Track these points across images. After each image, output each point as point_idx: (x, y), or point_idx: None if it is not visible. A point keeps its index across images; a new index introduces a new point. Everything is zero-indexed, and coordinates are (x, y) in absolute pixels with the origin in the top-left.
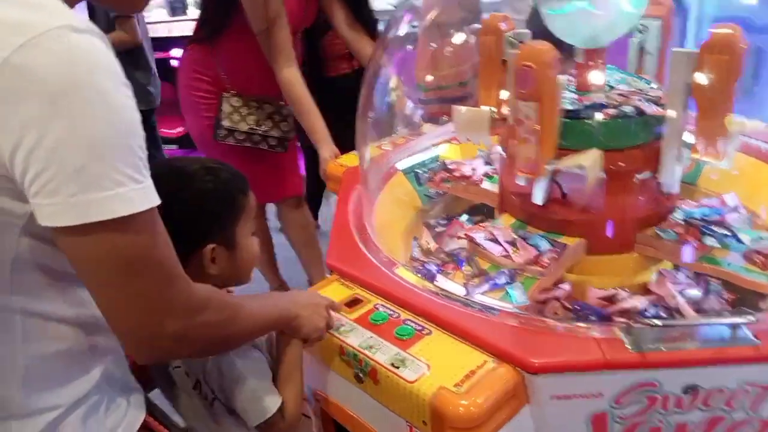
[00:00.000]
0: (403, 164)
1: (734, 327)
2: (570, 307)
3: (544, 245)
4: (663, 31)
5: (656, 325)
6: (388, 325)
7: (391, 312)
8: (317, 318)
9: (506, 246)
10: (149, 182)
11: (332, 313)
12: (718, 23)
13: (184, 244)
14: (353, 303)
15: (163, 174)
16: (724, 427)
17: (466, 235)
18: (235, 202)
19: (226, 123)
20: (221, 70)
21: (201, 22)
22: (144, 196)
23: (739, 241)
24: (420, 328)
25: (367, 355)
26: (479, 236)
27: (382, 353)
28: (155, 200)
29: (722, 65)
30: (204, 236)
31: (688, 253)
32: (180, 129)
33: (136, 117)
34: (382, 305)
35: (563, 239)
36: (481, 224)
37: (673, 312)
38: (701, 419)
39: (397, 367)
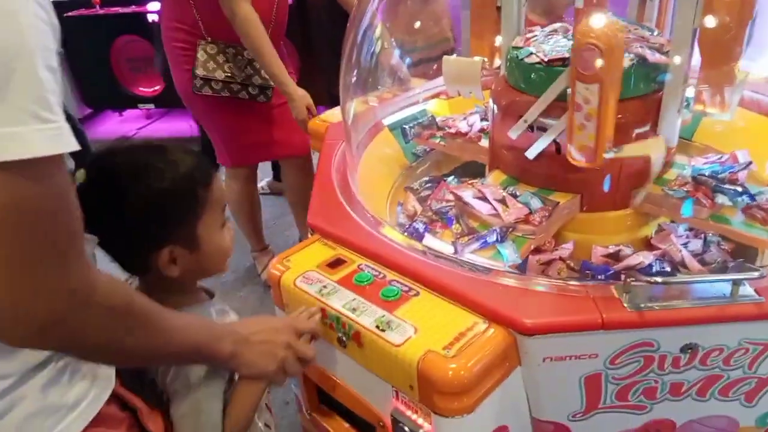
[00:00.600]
0: (389, 120)
1: (736, 283)
2: (575, 267)
3: (535, 203)
4: None
5: (656, 282)
6: (373, 287)
7: (377, 273)
8: (266, 359)
9: (495, 204)
10: (61, 124)
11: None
12: None
13: (138, 248)
14: (336, 263)
15: (117, 165)
16: (721, 386)
17: (453, 193)
18: (196, 197)
19: (200, 71)
20: (198, 17)
21: None
22: (49, 140)
23: (752, 198)
24: (407, 289)
25: (351, 318)
26: (467, 194)
27: (366, 316)
28: (66, 146)
29: (734, 7)
30: (159, 239)
31: (698, 212)
32: (157, 87)
33: (49, 43)
34: (367, 266)
35: (555, 196)
36: (469, 182)
37: (678, 266)
38: (698, 378)
39: (383, 330)
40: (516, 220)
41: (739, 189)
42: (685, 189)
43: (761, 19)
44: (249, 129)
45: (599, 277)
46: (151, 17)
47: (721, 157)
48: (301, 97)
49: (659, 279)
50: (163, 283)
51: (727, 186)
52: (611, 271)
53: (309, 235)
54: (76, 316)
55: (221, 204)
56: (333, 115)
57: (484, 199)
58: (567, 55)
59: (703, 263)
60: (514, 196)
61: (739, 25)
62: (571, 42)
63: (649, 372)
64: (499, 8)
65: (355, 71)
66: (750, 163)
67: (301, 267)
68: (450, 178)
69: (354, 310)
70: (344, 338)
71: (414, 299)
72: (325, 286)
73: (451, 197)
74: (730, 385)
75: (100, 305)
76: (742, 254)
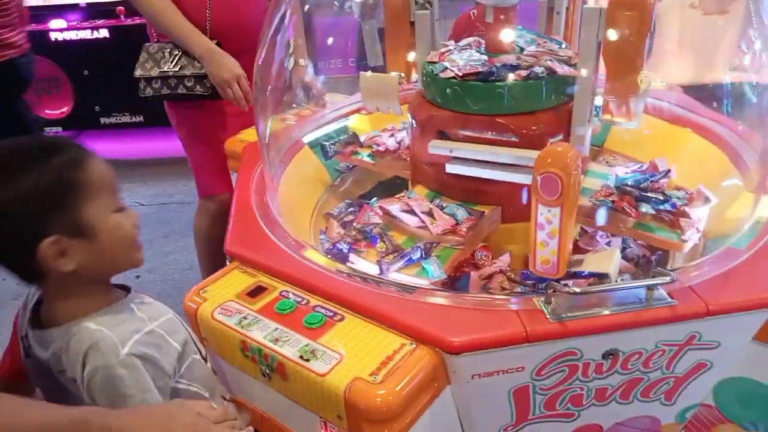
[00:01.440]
0: (309, 137)
1: (651, 288)
2: (516, 278)
3: (461, 214)
4: None
5: (575, 293)
6: (296, 314)
7: (300, 299)
8: None
9: (423, 217)
10: None
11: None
12: None
13: (18, 247)
14: (257, 292)
15: None
16: (642, 388)
17: (380, 207)
18: (68, 181)
19: (138, 73)
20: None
21: None
22: None
23: (673, 207)
24: (331, 314)
25: (273, 349)
26: (394, 208)
27: (290, 346)
28: None
29: (633, 21)
30: (36, 230)
31: (624, 221)
32: (64, 109)
33: None
34: (289, 292)
35: (479, 207)
36: (396, 196)
37: None
38: (620, 382)
39: (307, 360)
40: (444, 232)
41: (661, 197)
42: (611, 199)
43: (659, 32)
44: (207, 144)
45: (540, 286)
46: (54, 36)
47: (642, 165)
48: (216, 54)
49: (577, 289)
50: (67, 287)
51: (650, 194)
52: (552, 280)
53: (227, 263)
54: None
55: (109, 186)
56: (251, 133)
57: (411, 212)
58: (480, 69)
59: (627, 259)
60: (441, 207)
61: (638, 38)
62: (484, 56)
63: (574, 380)
64: (412, 23)
65: (269, 88)
66: (669, 171)
67: (219, 298)
68: (372, 200)
69: (276, 340)
70: (268, 371)
71: (339, 324)
72: (245, 317)
73: (376, 220)
74: (651, 386)
75: None
76: (658, 249)
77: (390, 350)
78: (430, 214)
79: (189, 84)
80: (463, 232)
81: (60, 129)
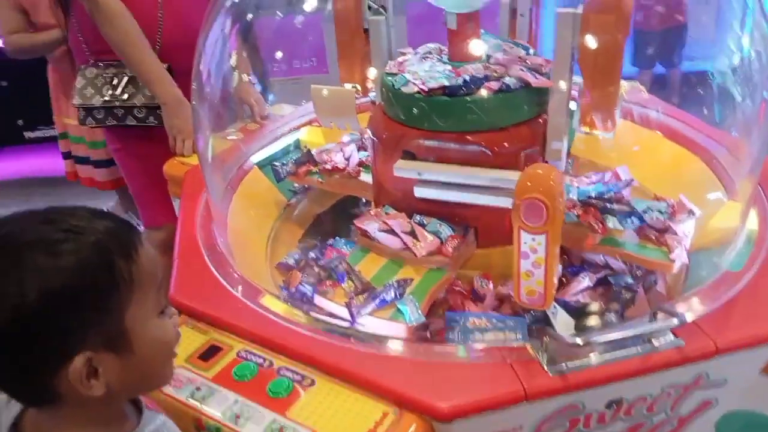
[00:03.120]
0: (258, 157)
1: (657, 333)
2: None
3: (445, 231)
4: None
5: (576, 345)
6: (258, 380)
7: (261, 360)
8: None
9: (405, 237)
10: None
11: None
12: None
13: (36, 366)
14: (210, 353)
15: None
16: (645, 431)
17: (358, 227)
18: (114, 274)
19: (77, 101)
20: (80, 35)
21: None
22: None
23: (640, 219)
24: (299, 378)
25: (234, 430)
26: (372, 228)
27: (253, 423)
28: None
29: (609, 25)
30: (67, 345)
31: (591, 237)
32: None
33: None
34: (248, 352)
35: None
36: (371, 211)
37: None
38: (622, 429)
39: None
40: (429, 253)
41: (626, 209)
42: (575, 212)
43: None
44: (153, 174)
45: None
46: None
47: (603, 176)
48: (183, 106)
49: (579, 341)
50: (74, 413)
51: (615, 206)
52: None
53: None
54: None
55: (156, 281)
56: (192, 156)
57: (390, 231)
58: (446, 83)
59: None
60: (422, 225)
61: (615, 44)
62: (447, 66)
63: None
64: (366, 31)
65: (209, 106)
66: (632, 180)
67: None
68: (336, 240)
69: (237, 417)
70: None
71: (309, 390)
72: (198, 388)
73: (343, 262)
74: (654, 428)
75: None
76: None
77: (371, 422)
78: (412, 233)
79: (140, 115)
80: (449, 252)
81: None
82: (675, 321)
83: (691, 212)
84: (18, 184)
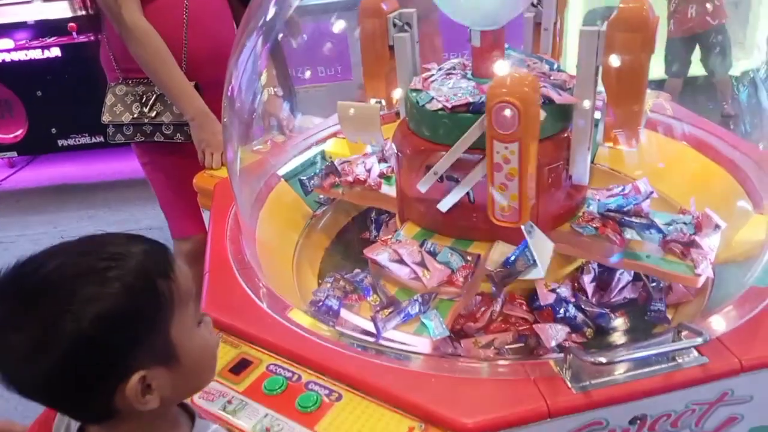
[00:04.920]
0: (284, 169)
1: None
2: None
3: (456, 261)
4: (559, 2)
5: (600, 363)
6: (287, 394)
7: (290, 374)
8: None
9: (414, 267)
10: None
11: None
12: None
13: (96, 388)
14: (241, 367)
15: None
16: None
17: (368, 258)
18: (158, 294)
19: (105, 118)
20: (111, 52)
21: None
22: None
23: (659, 231)
24: (327, 392)
25: None
26: (382, 258)
27: None
28: None
29: (635, 43)
30: (123, 367)
31: (609, 250)
32: (18, 133)
33: None
34: (277, 366)
35: (473, 247)
36: (382, 240)
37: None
38: None
39: None
40: (439, 284)
41: (645, 221)
42: (594, 225)
43: None
44: (180, 186)
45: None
46: (2, 56)
47: (624, 188)
48: (209, 119)
49: (603, 359)
50: (132, 424)
51: (633, 219)
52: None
53: None
54: None
55: (192, 294)
56: (223, 167)
57: (401, 261)
58: (470, 99)
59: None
60: (433, 254)
61: (640, 62)
62: (471, 82)
63: None
64: (391, 47)
65: (238, 121)
66: (651, 192)
67: None
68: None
69: (267, 431)
70: None
71: (337, 405)
72: (229, 401)
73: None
74: None
75: None
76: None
77: None
78: (422, 263)
79: (167, 132)
80: (460, 282)
81: (15, 154)
82: (699, 340)
83: (716, 226)
84: (53, 190)
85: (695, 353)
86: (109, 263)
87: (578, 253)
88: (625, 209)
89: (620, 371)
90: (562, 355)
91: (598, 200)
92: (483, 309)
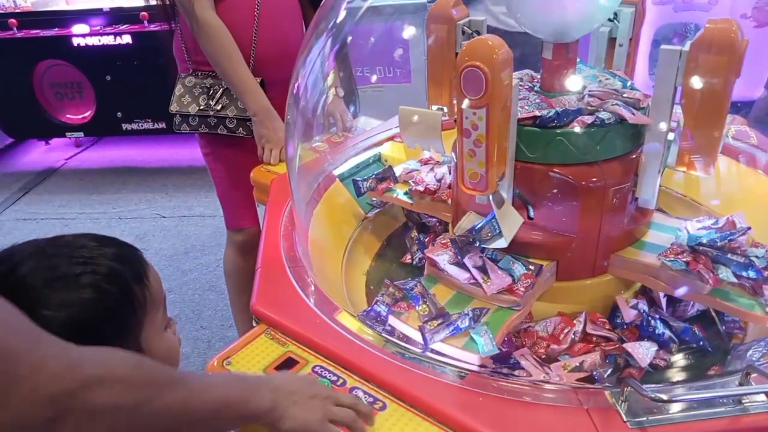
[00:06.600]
0: (340, 170)
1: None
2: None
3: (518, 269)
4: (636, 18)
5: (660, 400)
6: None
7: (335, 377)
8: (309, 410)
9: (475, 272)
10: None
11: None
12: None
13: None
14: (287, 366)
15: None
16: None
17: (427, 256)
18: (132, 299)
19: (173, 107)
20: (183, 43)
21: None
22: None
23: (757, 272)
24: (371, 400)
25: None
26: (442, 259)
27: None
28: None
29: (720, 66)
30: None
31: (700, 287)
32: (87, 114)
33: None
34: (322, 368)
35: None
36: (441, 242)
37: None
38: None
39: None
40: (500, 291)
41: (742, 260)
42: (684, 260)
43: None
44: (239, 179)
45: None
46: (77, 41)
47: (717, 221)
48: (271, 116)
49: (664, 396)
50: None
51: (731, 257)
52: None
53: (253, 324)
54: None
55: (163, 299)
56: (281, 163)
57: (461, 264)
58: (537, 113)
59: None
60: (494, 260)
61: (724, 86)
62: (539, 95)
63: None
64: (458, 55)
65: (301, 119)
66: (748, 228)
67: (245, 371)
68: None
69: None
70: None
71: (381, 414)
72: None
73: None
74: None
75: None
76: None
77: None
78: (483, 269)
79: (231, 126)
80: (521, 292)
81: (82, 134)
82: None
83: None
84: (115, 172)
85: (764, 397)
86: (83, 268)
87: (659, 286)
88: (719, 244)
89: (679, 409)
90: (618, 387)
91: (688, 232)
92: (566, 330)
